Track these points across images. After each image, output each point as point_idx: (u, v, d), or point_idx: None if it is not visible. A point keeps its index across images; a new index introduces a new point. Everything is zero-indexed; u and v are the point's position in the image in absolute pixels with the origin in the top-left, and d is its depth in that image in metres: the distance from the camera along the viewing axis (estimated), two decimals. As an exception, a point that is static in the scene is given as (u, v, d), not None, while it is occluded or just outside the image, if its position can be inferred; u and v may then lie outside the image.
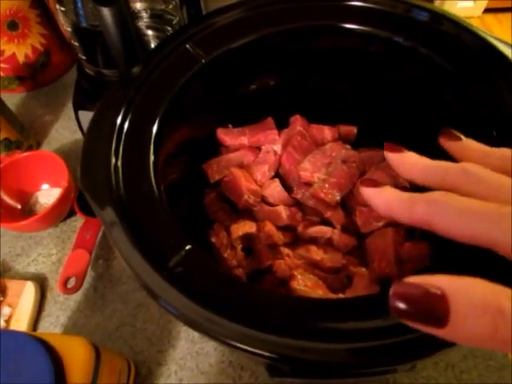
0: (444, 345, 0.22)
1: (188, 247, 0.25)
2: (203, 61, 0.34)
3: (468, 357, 0.39)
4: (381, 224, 0.35)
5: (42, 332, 0.43)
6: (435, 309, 0.13)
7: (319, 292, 0.33)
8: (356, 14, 0.32)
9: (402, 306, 0.14)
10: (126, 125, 0.30)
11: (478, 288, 0.13)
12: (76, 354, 0.30)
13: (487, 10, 1.99)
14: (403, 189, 0.38)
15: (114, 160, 0.29)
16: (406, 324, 0.15)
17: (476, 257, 0.24)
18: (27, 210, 0.51)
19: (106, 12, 0.39)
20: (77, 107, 0.53)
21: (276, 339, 0.22)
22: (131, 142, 0.30)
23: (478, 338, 0.12)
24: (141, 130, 0.31)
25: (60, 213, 0.49)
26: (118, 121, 0.31)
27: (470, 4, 1.94)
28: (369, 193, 0.20)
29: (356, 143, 0.42)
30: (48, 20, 0.60)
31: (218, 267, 0.26)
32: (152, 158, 0.29)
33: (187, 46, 0.35)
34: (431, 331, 0.14)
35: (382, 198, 0.20)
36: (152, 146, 0.30)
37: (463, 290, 0.13)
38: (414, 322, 0.14)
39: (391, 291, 0.14)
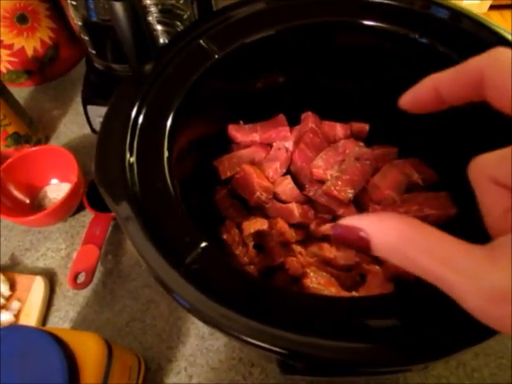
0: (460, 346, 0.22)
1: (204, 244, 0.25)
2: (216, 56, 0.34)
3: (479, 355, 0.39)
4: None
5: (54, 327, 0.43)
6: (363, 244, 0.17)
7: (332, 290, 0.32)
8: (373, 11, 0.32)
9: (340, 240, 0.18)
10: (140, 120, 0.30)
11: (391, 235, 0.16)
12: (89, 350, 0.30)
13: (492, 7, 1.97)
14: (416, 186, 0.37)
15: (128, 155, 0.28)
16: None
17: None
18: (36, 205, 0.51)
19: (118, 7, 0.39)
20: (85, 102, 0.53)
21: (289, 336, 0.22)
22: (145, 137, 0.30)
23: (391, 261, 0.17)
24: (155, 126, 0.30)
25: (69, 208, 0.49)
26: (132, 116, 0.30)
27: (476, 1, 1.92)
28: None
29: (368, 140, 0.42)
30: (57, 14, 0.60)
31: (233, 265, 0.26)
32: (166, 153, 0.29)
33: (201, 41, 0.34)
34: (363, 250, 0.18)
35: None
36: (166, 142, 0.30)
37: (380, 234, 0.16)
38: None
39: (332, 231, 0.18)
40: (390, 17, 0.31)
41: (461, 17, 0.30)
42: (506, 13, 2.03)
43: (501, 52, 0.17)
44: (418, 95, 0.19)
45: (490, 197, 0.17)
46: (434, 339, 0.22)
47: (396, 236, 0.16)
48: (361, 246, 0.17)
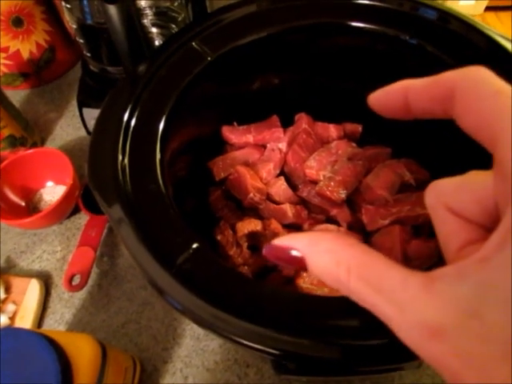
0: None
1: (195, 245, 0.25)
2: (209, 58, 0.34)
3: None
4: (387, 222, 0.35)
5: (49, 329, 0.43)
6: (297, 263, 0.17)
7: (325, 290, 0.33)
8: (364, 13, 0.32)
9: (273, 259, 0.18)
10: (133, 122, 0.30)
11: (326, 257, 0.16)
12: (83, 352, 0.30)
13: (488, 8, 1.98)
14: (409, 186, 0.38)
15: (121, 157, 0.29)
16: None
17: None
18: (31, 207, 0.51)
19: (112, 10, 0.39)
20: (81, 104, 0.53)
21: (282, 337, 0.22)
22: (138, 139, 0.30)
23: (328, 284, 0.16)
24: (147, 128, 0.31)
25: (64, 210, 0.49)
26: (125, 118, 0.31)
27: (471, 2, 1.93)
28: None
29: (362, 141, 0.42)
30: (53, 17, 0.60)
31: (225, 265, 0.26)
32: (159, 155, 0.29)
33: (193, 43, 0.34)
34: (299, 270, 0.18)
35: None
36: (159, 144, 0.30)
37: (315, 256, 0.16)
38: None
39: (264, 251, 0.18)
40: (380, 18, 0.32)
41: (449, 18, 0.31)
42: (502, 14, 2.04)
43: (476, 70, 0.15)
44: (387, 97, 0.18)
45: (447, 227, 0.17)
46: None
47: (330, 259, 0.15)
48: (296, 265, 0.17)
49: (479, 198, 0.15)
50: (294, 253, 0.16)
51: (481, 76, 0.15)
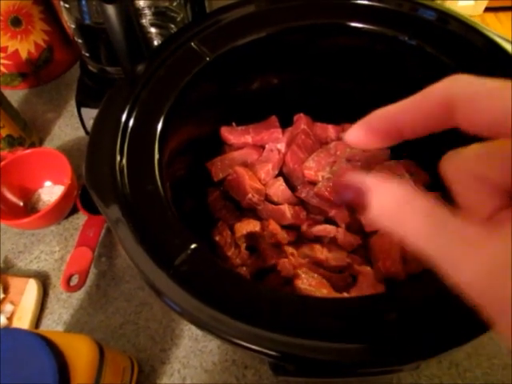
0: (450, 345, 0.22)
1: (193, 246, 0.25)
2: (208, 59, 0.34)
3: (472, 355, 0.39)
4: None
5: (46, 330, 0.43)
6: (360, 201, 0.16)
7: (323, 291, 0.33)
8: (363, 13, 0.32)
9: (337, 198, 0.17)
10: (131, 122, 0.30)
11: (392, 195, 0.15)
12: (80, 353, 0.30)
13: (488, 9, 1.99)
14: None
15: (118, 158, 0.29)
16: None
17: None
18: (29, 208, 0.51)
19: (110, 10, 0.39)
20: (80, 104, 0.53)
21: (280, 338, 0.22)
22: (136, 139, 0.30)
23: (384, 227, 0.15)
24: (146, 128, 0.30)
25: (63, 210, 0.49)
26: (123, 118, 0.30)
27: (471, 3, 1.93)
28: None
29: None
30: (51, 17, 0.60)
31: (223, 266, 0.26)
32: (157, 156, 0.29)
33: (192, 43, 0.34)
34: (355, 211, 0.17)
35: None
36: (157, 144, 0.30)
37: (382, 191, 0.15)
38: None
39: (331, 186, 0.17)
40: (379, 19, 0.32)
41: (448, 18, 0.31)
42: (502, 15, 2.04)
43: (460, 77, 0.15)
44: (372, 130, 0.17)
45: (474, 196, 0.16)
46: (424, 339, 0.22)
47: (395, 196, 0.15)
48: (358, 199, 0.16)
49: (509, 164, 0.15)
50: (363, 187, 0.16)
51: (468, 79, 0.15)
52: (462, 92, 0.15)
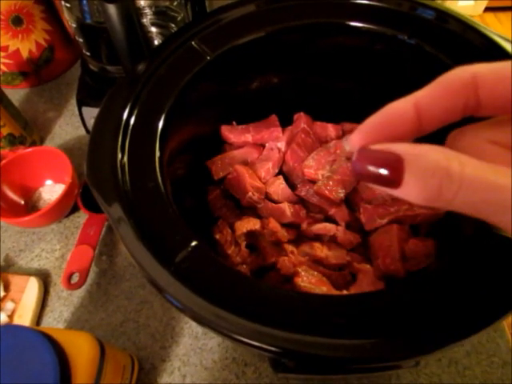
0: (448, 342, 0.22)
1: (194, 243, 0.26)
2: (208, 58, 0.34)
3: (471, 353, 0.40)
4: (385, 221, 0.35)
5: (47, 327, 0.43)
6: (392, 170, 0.14)
7: (323, 289, 0.33)
8: (361, 12, 0.32)
9: (365, 169, 0.15)
10: (132, 120, 0.31)
11: (433, 153, 0.14)
12: (81, 350, 0.30)
13: (487, 9, 1.99)
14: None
15: (120, 156, 0.29)
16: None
17: (480, 252, 0.24)
18: (30, 206, 0.51)
19: (111, 9, 0.39)
20: (80, 103, 0.54)
21: (280, 334, 0.23)
22: (137, 137, 0.30)
23: (426, 197, 0.14)
24: (147, 126, 0.31)
25: (63, 208, 0.49)
26: (124, 117, 0.31)
27: (471, 3, 1.94)
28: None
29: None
30: (52, 16, 0.60)
31: (223, 263, 0.26)
32: (158, 153, 0.30)
33: (193, 42, 0.35)
34: (387, 190, 0.15)
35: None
36: (158, 142, 0.30)
37: (418, 155, 0.14)
38: (374, 183, 0.15)
39: (355, 157, 0.16)
40: (379, 18, 0.32)
41: (447, 18, 0.31)
42: (501, 15, 2.05)
43: (470, 66, 0.16)
44: (391, 121, 0.16)
45: (494, 156, 0.16)
46: (423, 335, 0.22)
47: (439, 155, 0.14)
48: (390, 176, 0.14)
49: None
50: (392, 155, 0.14)
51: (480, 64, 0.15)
52: (482, 69, 0.15)
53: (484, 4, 1.96)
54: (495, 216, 0.14)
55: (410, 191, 0.14)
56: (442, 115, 0.16)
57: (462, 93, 0.16)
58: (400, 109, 0.16)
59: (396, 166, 0.14)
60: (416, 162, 0.14)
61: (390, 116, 0.16)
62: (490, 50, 0.29)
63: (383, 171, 0.15)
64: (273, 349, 0.22)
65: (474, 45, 0.30)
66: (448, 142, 0.18)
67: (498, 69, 0.15)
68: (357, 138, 0.16)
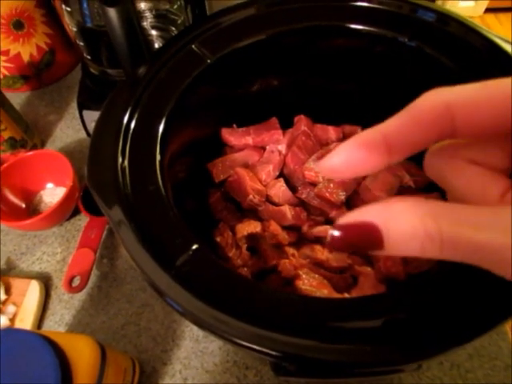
0: (450, 345, 0.22)
1: (195, 246, 0.25)
2: (209, 61, 0.34)
3: (473, 356, 0.40)
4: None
5: (48, 330, 0.43)
6: (370, 239, 0.14)
7: (324, 291, 0.33)
8: (362, 15, 0.32)
9: (341, 246, 0.15)
10: (133, 124, 0.31)
11: (406, 216, 0.13)
12: (82, 353, 0.30)
13: (488, 10, 1.99)
14: (408, 188, 0.38)
15: (120, 159, 0.29)
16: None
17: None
18: (32, 209, 0.51)
19: (112, 12, 0.39)
20: (81, 107, 0.54)
21: (282, 338, 0.22)
22: (138, 141, 0.30)
23: (412, 255, 0.14)
24: (147, 129, 0.31)
25: (64, 212, 0.49)
26: (125, 120, 0.31)
27: (471, 4, 1.94)
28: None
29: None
30: (53, 20, 0.60)
31: (224, 266, 0.26)
32: (158, 157, 0.29)
33: (193, 46, 0.35)
34: (370, 253, 0.15)
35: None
36: (158, 146, 0.30)
37: (393, 220, 0.14)
38: (358, 251, 0.16)
39: (329, 238, 0.15)
40: (379, 21, 0.32)
41: (448, 20, 0.31)
42: (502, 16, 2.05)
43: (449, 88, 0.15)
44: (362, 152, 0.16)
45: (481, 179, 0.16)
46: (425, 338, 0.22)
47: (412, 217, 0.13)
48: (371, 245, 0.14)
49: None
50: (367, 226, 0.14)
51: (457, 87, 0.15)
52: (459, 98, 0.15)
53: (484, 5, 1.96)
54: (487, 267, 0.13)
55: (395, 252, 0.14)
56: (415, 147, 0.16)
57: (435, 126, 0.15)
58: (369, 141, 0.16)
59: (373, 235, 0.14)
60: (392, 228, 0.14)
61: (359, 148, 0.16)
62: (490, 52, 0.29)
63: (363, 242, 0.14)
64: (273, 353, 0.22)
65: (474, 47, 0.30)
66: (427, 159, 0.17)
67: (474, 96, 0.15)
68: (327, 166, 0.17)
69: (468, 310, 0.22)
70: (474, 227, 0.13)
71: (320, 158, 0.16)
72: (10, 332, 0.29)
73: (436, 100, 0.15)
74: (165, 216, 0.27)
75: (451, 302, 0.23)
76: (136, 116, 0.31)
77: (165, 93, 0.33)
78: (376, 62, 0.35)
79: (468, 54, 0.30)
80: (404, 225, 0.13)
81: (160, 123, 0.31)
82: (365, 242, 0.14)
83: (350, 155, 0.16)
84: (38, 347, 0.28)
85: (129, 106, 0.31)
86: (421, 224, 0.13)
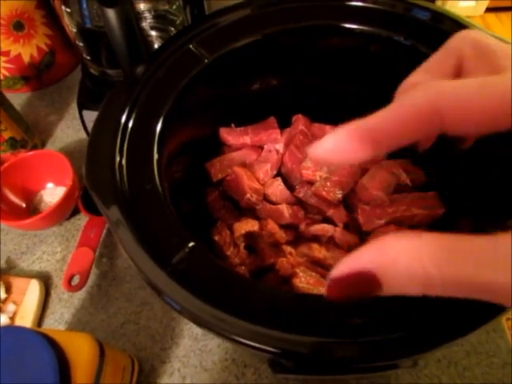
0: (444, 341, 0.22)
1: (191, 244, 0.26)
2: (206, 61, 0.34)
3: (471, 354, 0.40)
4: (383, 222, 0.35)
5: (47, 328, 0.43)
6: (368, 285, 0.14)
7: (321, 289, 0.33)
8: (357, 14, 0.33)
9: (338, 296, 0.15)
10: (131, 123, 0.31)
11: (404, 260, 0.13)
12: (80, 350, 0.30)
13: (489, 10, 1.99)
14: (405, 187, 0.38)
15: (118, 158, 0.29)
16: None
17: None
18: (32, 209, 0.51)
19: (110, 13, 0.40)
20: (81, 107, 0.54)
21: (279, 334, 0.23)
22: (135, 140, 0.30)
23: (412, 293, 0.14)
24: (145, 129, 0.31)
25: (64, 211, 0.49)
26: (123, 119, 0.31)
27: (472, 3, 1.94)
28: None
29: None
30: (53, 21, 0.61)
31: (221, 264, 0.27)
32: (156, 156, 0.30)
33: (190, 46, 0.35)
34: (371, 296, 0.15)
35: None
36: (156, 145, 0.30)
37: (390, 265, 0.13)
38: (357, 298, 0.15)
39: (327, 290, 0.15)
40: (373, 20, 0.32)
41: (442, 18, 0.31)
42: (503, 15, 2.05)
43: (441, 84, 0.15)
44: (349, 143, 0.16)
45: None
46: (419, 333, 0.22)
47: (409, 260, 0.13)
48: (369, 290, 0.14)
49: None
50: (363, 275, 0.14)
51: (446, 84, 0.15)
52: (447, 97, 0.15)
53: (485, 4, 1.96)
54: (489, 300, 0.13)
55: (396, 293, 0.14)
56: (400, 142, 0.16)
57: (421, 126, 0.15)
58: (355, 131, 0.16)
59: (371, 282, 0.14)
60: (390, 273, 0.14)
61: (346, 136, 0.16)
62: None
63: (360, 289, 0.14)
64: (271, 349, 0.23)
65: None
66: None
67: (463, 92, 0.15)
68: (316, 151, 0.17)
69: (463, 305, 0.22)
70: (474, 265, 0.13)
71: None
72: (9, 330, 0.30)
73: (424, 100, 0.15)
74: (161, 214, 0.27)
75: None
76: (134, 115, 0.31)
77: (162, 92, 0.33)
78: (371, 60, 0.35)
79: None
80: (402, 270, 0.13)
81: (158, 122, 0.31)
82: (362, 288, 0.14)
83: (337, 142, 0.16)
84: (36, 344, 0.28)
85: (127, 105, 0.32)
86: (420, 267, 0.13)
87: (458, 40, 0.19)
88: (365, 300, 0.24)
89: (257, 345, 0.23)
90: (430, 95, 0.15)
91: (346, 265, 0.14)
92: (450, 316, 0.22)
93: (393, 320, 0.23)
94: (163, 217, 0.27)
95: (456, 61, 0.18)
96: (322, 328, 0.23)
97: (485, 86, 0.14)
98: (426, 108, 0.15)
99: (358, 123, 0.16)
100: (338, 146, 0.16)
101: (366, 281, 0.14)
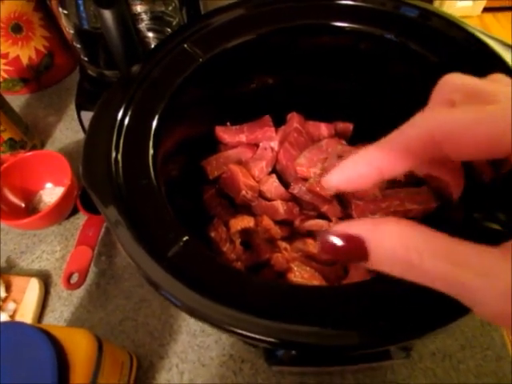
0: (433, 327, 0.22)
1: (185, 238, 0.26)
2: (201, 60, 0.35)
3: (465, 347, 0.40)
4: (376, 217, 0.36)
5: (46, 324, 0.44)
6: (357, 251, 0.15)
7: (315, 283, 0.33)
8: (347, 13, 0.33)
9: (331, 251, 0.16)
10: (127, 120, 0.31)
11: (391, 241, 0.14)
12: (79, 346, 0.31)
13: (486, 10, 2.00)
14: (398, 182, 0.38)
15: (114, 154, 0.30)
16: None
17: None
18: (31, 209, 0.52)
19: (107, 14, 0.40)
20: (79, 108, 0.55)
21: (275, 324, 0.23)
22: (131, 136, 0.31)
23: (393, 274, 0.15)
24: (141, 125, 0.31)
25: (63, 211, 0.50)
26: (119, 117, 0.31)
27: (469, 3, 1.95)
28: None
29: (352, 140, 0.43)
30: (51, 23, 0.61)
31: (215, 256, 0.27)
32: (151, 151, 0.30)
33: (185, 45, 0.35)
34: (357, 263, 0.16)
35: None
36: (151, 140, 0.31)
37: (378, 240, 0.15)
38: (344, 259, 0.16)
39: (319, 246, 0.16)
40: (363, 18, 0.33)
41: (430, 16, 0.31)
42: (500, 15, 2.05)
43: (436, 115, 0.16)
44: (356, 174, 0.18)
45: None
46: (410, 320, 0.23)
47: (398, 241, 0.14)
48: (357, 255, 0.15)
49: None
50: (354, 240, 0.15)
51: (442, 115, 0.16)
52: (443, 131, 0.15)
53: (482, 4, 1.97)
54: (460, 300, 0.14)
55: (379, 268, 0.15)
56: (404, 169, 0.17)
57: (422, 154, 0.16)
58: (363, 175, 0.18)
59: (360, 248, 0.15)
60: (377, 247, 0.15)
61: (354, 168, 0.18)
62: (472, 46, 0.30)
63: (350, 252, 0.15)
64: (265, 338, 0.23)
65: (457, 41, 0.30)
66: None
67: (461, 131, 0.15)
68: (328, 183, 0.18)
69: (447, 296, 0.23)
70: (453, 264, 0.13)
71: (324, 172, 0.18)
72: (8, 325, 0.30)
73: (422, 129, 0.16)
74: (156, 209, 0.28)
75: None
76: (130, 113, 0.32)
77: (158, 91, 0.33)
78: (362, 58, 0.36)
79: (451, 49, 0.30)
80: (388, 249, 0.14)
81: (153, 120, 0.32)
82: (352, 251, 0.15)
83: (345, 176, 0.18)
84: (35, 340, 0.29)
85: (122, 103, 0.32)
86: (404, 252, 0.14)
87: (445, 88, 0.18)
88: (360, 290, 0.25)
89: (251, 334, 0.23)
90: (428, 124, 0.16)
91: (343, 227, 0.16)
92: (438, 303, 0.23)
93: (384, 308, 0.23)
94: (158, 211, 0.28)
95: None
96: (312, 317, 0.23)
97: (480, 114, 0.15)
98: (424, 137, 0.16)
99: (362, 155, 0.18)
100: (346, 177, 0.18)
101: (356, 246, 0.15)
